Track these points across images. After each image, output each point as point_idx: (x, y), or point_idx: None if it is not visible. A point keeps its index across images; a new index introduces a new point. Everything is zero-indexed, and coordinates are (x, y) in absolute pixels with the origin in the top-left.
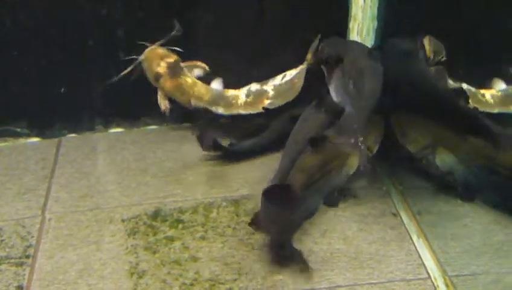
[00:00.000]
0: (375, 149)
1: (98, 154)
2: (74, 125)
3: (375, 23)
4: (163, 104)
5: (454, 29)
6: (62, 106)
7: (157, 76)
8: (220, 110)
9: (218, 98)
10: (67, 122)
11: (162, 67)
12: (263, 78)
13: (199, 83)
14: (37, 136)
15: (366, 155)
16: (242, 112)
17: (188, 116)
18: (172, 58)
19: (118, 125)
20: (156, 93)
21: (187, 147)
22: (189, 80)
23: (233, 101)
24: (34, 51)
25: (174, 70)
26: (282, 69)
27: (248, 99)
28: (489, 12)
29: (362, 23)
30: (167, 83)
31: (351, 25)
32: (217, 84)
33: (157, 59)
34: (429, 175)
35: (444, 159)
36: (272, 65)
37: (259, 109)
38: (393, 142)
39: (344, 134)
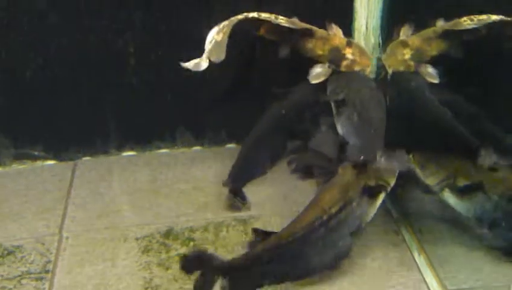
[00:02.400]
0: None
1: (112, 176)
2: (89, 149)
3: (377, 50)
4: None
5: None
6: (77, 130)
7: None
8: None
9: None
10: (82, 146)
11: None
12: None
13: None
14: (53, 159)
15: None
16: None
17: (196, 140)
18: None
19: (131, 149)
20: None
21: (197, 170)
22: None
23: None
24: (51, 77)
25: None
26: None
27: None
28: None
29: None
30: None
31: None
32: None
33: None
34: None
35: None
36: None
37: None
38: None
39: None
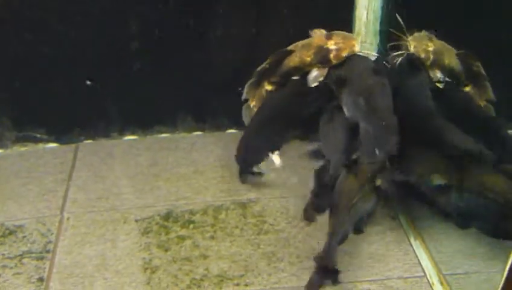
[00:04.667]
0: None
1: (113, 159)
2: (91, 132)
3: (378, 38)
4: None
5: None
6: (79, 114)
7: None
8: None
9: None
10: (84, 129)
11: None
12: None
13: None
14: (55, 141)
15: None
16: None
17: (197, 124)
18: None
19: (132, 133)
20: None
21: (197, 154)
22: None
23: None
24: (54, 61)
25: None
26: None
27: None
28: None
29: (365, 38)
30: None
31: None
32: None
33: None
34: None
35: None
36: None
37: None
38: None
39: (365, 151)
